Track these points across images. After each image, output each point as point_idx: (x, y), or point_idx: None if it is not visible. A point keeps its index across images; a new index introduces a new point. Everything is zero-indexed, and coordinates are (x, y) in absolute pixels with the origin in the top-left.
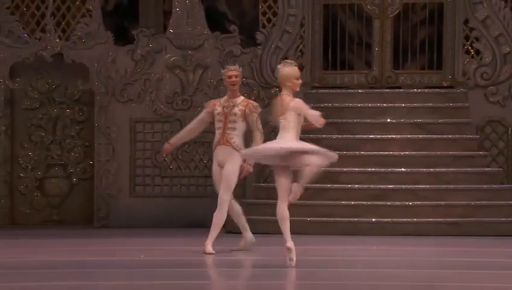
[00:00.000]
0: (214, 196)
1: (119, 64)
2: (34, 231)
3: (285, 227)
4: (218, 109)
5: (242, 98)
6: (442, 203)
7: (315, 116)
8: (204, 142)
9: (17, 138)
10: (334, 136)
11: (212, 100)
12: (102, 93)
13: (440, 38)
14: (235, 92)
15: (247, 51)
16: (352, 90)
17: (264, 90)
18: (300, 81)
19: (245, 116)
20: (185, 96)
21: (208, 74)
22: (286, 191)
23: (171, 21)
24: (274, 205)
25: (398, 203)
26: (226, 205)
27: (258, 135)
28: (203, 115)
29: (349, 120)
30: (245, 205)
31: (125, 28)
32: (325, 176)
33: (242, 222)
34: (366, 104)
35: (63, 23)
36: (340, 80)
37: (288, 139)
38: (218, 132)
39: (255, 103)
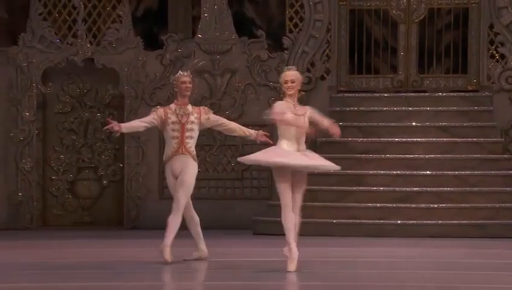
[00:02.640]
0: (243, 198)
1: (148, 69)
2: (66, 232)
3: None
4: (172, 118)
5: (190, 105)
6: (467, 205)
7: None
8: (232, 146)
9: (49, 141)
10: (360, 139)
11: (161, 107)
12: (132, 97)
13: (465, 42)
14: (187, 99)
15: (274, 56)
16: (377, 94)
17: None
18: (290, 85)
19: (200, 123)
20: (213, 100)
21: (236, 78)
22: (288, 197)
23: (199, 26)
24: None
25: (423, 205)
26: (182, 210)
27: (229, 122)
28: (153, 118)
29: (375, 124)
30: (271, 207)
31: (154, 33)
32: (350, 178)
33: (199, 232)
34: (392, 108)
35: (94, 28)
36: (365, 84)
37: (293, 152)
38: (174, 141)
39: (205, 107)
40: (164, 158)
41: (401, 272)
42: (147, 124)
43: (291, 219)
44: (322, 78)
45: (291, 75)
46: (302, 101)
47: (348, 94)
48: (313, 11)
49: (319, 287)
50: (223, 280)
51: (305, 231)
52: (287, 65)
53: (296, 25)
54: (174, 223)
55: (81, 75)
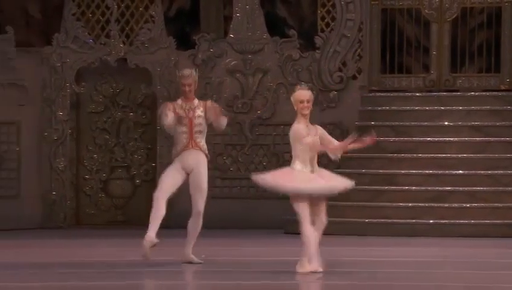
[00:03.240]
0: (274, 198)
1: (181, 69)
2: (99, 231)
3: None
4: (180, 113)
5: (197, 100)
6: (500, 205)
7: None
8: (263, 145)
9: (82, 140)
10: (392, 139)
11: (168, 103)
12: (165, 96)
13: (498, 41)
14: (191, 96)
15: (306, 55)
16: (409, 94)
17: (323, 93)
18: (306, 104)
19: (207, 118)
20: (245, 100)
21: (268, 77)
22: (307, 211)
23: (231, 26)
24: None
25: (455, 205)
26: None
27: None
28: (172, 114)
29: (407, 123)
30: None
31: (187, 33)
32: (383, 178)
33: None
34: (424, 107)
35: (127, 29)
36: (397, 84)
37: (308, 174)
38: (183, 136)
39: (211, 101)
40: (174, 153)
41: (436, 272)
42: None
43: (311, 233)
44: (354, 77)
45: (307, 94)
46: (333, 101)
47: (380, 93)
48: (344, 11)
49: (353, 286)
50: (258, 280)
51: (337, 231)
52: (318, 66)
53: (327, 25)
54: (197, 228)
55: (114, 75)
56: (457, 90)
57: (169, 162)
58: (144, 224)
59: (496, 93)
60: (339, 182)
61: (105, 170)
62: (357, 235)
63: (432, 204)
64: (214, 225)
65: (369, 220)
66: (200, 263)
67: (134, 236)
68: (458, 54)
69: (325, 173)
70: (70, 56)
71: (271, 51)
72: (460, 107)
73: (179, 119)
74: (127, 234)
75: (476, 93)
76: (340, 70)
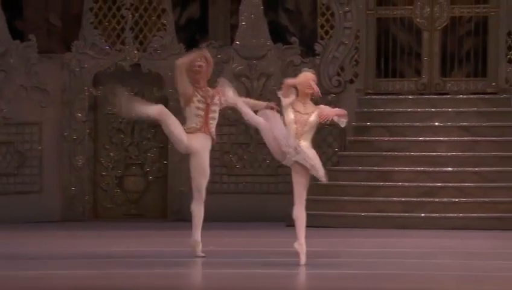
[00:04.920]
0: (277, 193)
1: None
2: (115, 223)
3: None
4: (198, 96)
5: (209, 88)
6: (487, 199)
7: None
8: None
9: (99, 140)
10: (386, 138)
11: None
12: (176, 99)
13: (485, 48)
14: (204, 82)
15: (307, 61)
16: (402, 96)
17: (322, 96)
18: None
19: (221, 104)
20: None
21: (271, 81)
22: (303, 192)
23: (237, 34)
24: (331, 202)
25: (445, 199)
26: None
27: (242, 105)
28: (187, 83)
29: (400, 124)
30: (305, 201)
31: (196, 40)
32: (378, 175)
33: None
34: (416, 109)
35: (141, 36)
36: (391, 87)
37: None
38: (198, 120)
39: (221, 88)
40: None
41: (428, 261)
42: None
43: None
44: (351, 81)
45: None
46: (332, 104)
47: (375, 96)
48: (342, 20)
49: (351, 275)
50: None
51: (336, 224)
52: (317, 71)
53: (327, 32)
54: (201, 213)
55: (129, 79)
56: (447, 93)
57: (179, 160)
58: (156, 217)
59: (482, 96)
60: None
61: (121, 167)
62: (355, 228)
63: (424, 199)
64: (221, 218)
65: (365, 213)
66: (204, 257)
67: (146, 228)
68: (448, 60)
69: (312, 152)
70: (88, 61)
71: (274, 57)
72: (450, 109)
73: (188, 100)
74: (140, 227)
75: (464, 96)
76: (338, 74)
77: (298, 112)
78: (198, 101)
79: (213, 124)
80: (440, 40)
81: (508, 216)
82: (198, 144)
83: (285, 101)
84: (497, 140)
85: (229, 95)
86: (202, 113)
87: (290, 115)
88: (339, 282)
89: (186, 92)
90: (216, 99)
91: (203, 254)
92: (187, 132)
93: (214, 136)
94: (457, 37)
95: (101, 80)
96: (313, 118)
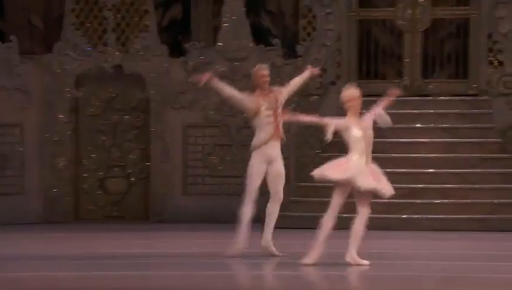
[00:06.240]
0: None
1: (173, 75)
2: (97, 225)
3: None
4: (265, 104)
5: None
6: (468, 201)
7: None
8: (249, 145)
9: (81, 141)
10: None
11: (253, 96)
12: (158, 101)
13: (466, 50)
14: (267, 88)
15: (289, 63)
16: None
17: (304, 98)
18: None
19: (281, 104)
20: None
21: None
22: (337, 204)
23: (219, 35)
24: (315, 203)
25: (426, 201)
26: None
27: (291, 84)
28: (247, 97)
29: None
30: (287, 202)
31: (179, 41)
32: None
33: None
34: (398, 111)
35: (123, 37)
36: (374, 89)
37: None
38: (270, 127)
39: (278, 88)
40: (256, 143)
41: (411, 262)
42: (237, 95)
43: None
44: (333, 83)
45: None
46: (314, 105)
47: None
48: (324, 21)
49: (336, 276)
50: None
51: (316, 225)
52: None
53: (309, 34)
54: (276, 213)
55: (111, 80)
56: (428, 95)
57: (161, 161)
58: (138, 219)
59: (463, 97)
60: (384, 186)
61: (103, 169)
62: (337, 230)
63: (405, 200)
64: (204, 219)
65: (347, 215)
66: (280, 255)
67: (128, 230)
68: (429, 62)
69: (376, 170)
70: (70, 63)
71: (256, 59)
72: (431, 111)
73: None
74: (122, 229)
75: (446, 98)
76: (320, 76)
77: (361, 128)
78: (266, 108)
79: (282, 129)
80: (422, 42)
81: (488, 218)
82: (272, 153)
83: (345, 120)
84: (478, 142)
85: (283, 92)
86: (272, 119)
87: (357, 133)
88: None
89: (252, 105)
90: (279, 102)
91: (279, 253)
92: (260, 142)
93: (284, 136)
94: (438, 39)
95: (83, 81)
96: (371, 130)
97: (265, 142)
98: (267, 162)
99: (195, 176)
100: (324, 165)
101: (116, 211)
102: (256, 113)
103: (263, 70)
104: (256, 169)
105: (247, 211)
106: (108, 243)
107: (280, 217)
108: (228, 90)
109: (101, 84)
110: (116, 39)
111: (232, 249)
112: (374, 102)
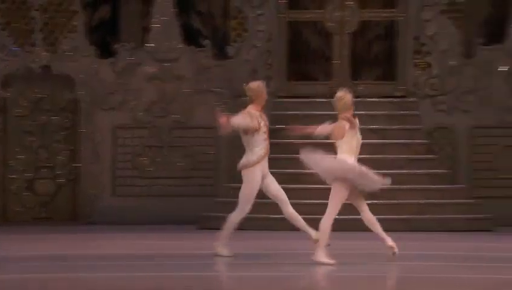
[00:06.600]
0: (190, 195)
1: (102, 76)
2: (25, 227)
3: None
4: (262, 122)
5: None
6: (395, 201)
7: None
8: (180, 147)
9: (9, 142)
10: (298, 141)
11: (250, 113)
12: (87, 102)
13: (393, 52)
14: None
15: (219, 64)
16: (314, 99)
17: (235, 99)
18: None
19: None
20: (163, 105)
21: (184, 84)
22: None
23: (149, 36)
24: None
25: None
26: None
27: None
28: (249, 117)
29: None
30: (217, 203)
31: (108, 42)
32: (290, 177)
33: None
34: (328, 112)
35: (51, 37)
36: (304, 90)
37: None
38: (266, 143)
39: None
40: (255, 159)
41: (340, 262)
42: (245, 122)
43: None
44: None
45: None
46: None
47: (288, 99)
48: (255, 23)
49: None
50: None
51: (250, 226)
52: (230, 74)
53: (239, 35)
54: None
55: (39, 81)
56: (357, 96)
57: (91, 163)
58: (67, 220)
59: (391, 99)
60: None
61: (31, 170)
62: (267, 230)
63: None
64: (134, 220)
65: (276, 215)
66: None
67: (56, 232)
68: (358, 63)
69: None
70: None
71: (187, 60)
72: (360, 112)
73: (253, 128)
74: (50, 230)
75: (374, 99)
76: (251, 77)
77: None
78: (264, 125)
79: None
80: (350, 43)
81: (414, 218)
82: (266, 168)
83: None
84: (405, 143)
85: None
86: (267, 135)
87: (359, 137)
88: (229, 285)
89: (256, 124)
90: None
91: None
92: (259, 158)
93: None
94: (366, 41)
95: (10, 81)
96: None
97: (264, 158)
98: (263, 177)
99: (124, 178)
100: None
101: (44, 213)
102: (257, 130)
103: (266, 88)
104: (258, 183)
105: (240, 220)
106: (36, 245)
107: (208, 218)
108: (237, 122)
109: (28, 84)
110: (43, 39)
111: (224, 251)
112: (303, 103)
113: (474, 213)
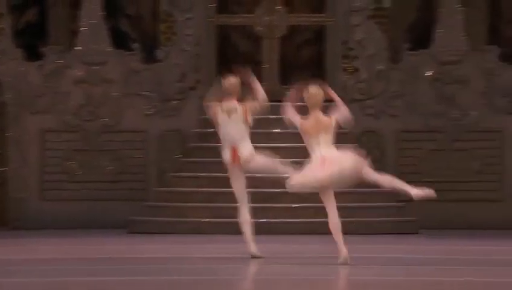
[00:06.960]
0: (119, 199)
1: (30, 79)
2: None
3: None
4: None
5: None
6: (323, 205)
7: None
8: (108, 151)
9: None
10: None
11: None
12: (14, 105)
13: (322, 56)
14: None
15: (148, 67)
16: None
17: (164, 103)
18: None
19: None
20: (91, 108)
21: (112, 87)
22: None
23: (78, 39)
24: (174, 208)
25: (285, 205)
26: None
27: None
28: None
29: None
30: (146, 207)
31: (35, 45)
32: (220, 181)
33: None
34: (256, 116)
35: None
36: None
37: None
38: None
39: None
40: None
41: (266, 266)
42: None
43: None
44: (193, 88)
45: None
46: (174, 110)
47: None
48: (184, 26)
49: (184, 281)
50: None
51: (176, 230)
52: (159, 78)
53: (168, 39)
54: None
55: None
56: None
57: (19, 166)
58: None
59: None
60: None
61: None
62: (196, 234)
63: (265, 204)
64: (63, 225)
65: (206, 219)
66: None
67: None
68: (287, 67)
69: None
70: None
71: (115, 63)
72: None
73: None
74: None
75: (303, 104)
76: (180, 81)
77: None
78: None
79: None
80: (279, 48)
81: (343, 221)
82: None
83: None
84: (334, 147)
85: None
86: None
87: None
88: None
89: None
90: None
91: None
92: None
93: None
94: (295, 45)
95: None
96: None
97: None
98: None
99: (52, 182)
100: None
101: None
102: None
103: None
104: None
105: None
106: None
107: (138, 222)
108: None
109: None
110: None
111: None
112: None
113: (400, 216)
